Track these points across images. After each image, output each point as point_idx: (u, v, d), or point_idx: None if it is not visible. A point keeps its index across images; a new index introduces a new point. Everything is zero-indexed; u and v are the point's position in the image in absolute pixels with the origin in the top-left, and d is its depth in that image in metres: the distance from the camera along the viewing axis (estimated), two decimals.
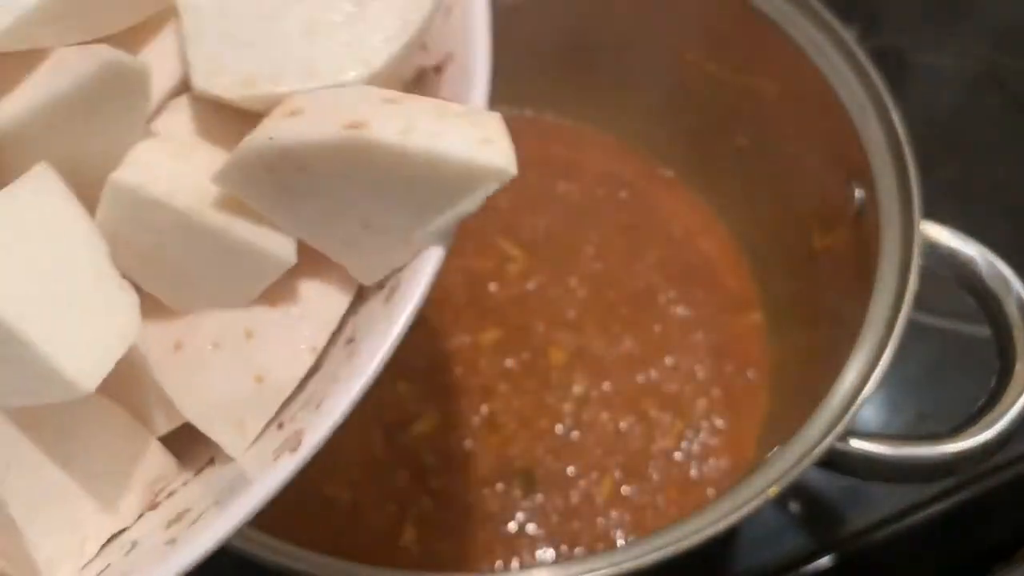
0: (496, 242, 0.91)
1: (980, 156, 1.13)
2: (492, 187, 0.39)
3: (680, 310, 0.91)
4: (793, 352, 0.87)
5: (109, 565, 0.40)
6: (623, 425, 0.85)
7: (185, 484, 0.45)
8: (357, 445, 0.82)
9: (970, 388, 0.72)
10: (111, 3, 0.43)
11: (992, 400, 0.67)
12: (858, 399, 0.64)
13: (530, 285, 0.91)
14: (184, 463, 0.46)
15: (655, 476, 0.82)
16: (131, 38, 0.44)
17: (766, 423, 0.85)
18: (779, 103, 0.87)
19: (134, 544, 0.41)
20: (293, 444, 0.38)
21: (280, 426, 0.42)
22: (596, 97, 1.03)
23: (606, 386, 0.86)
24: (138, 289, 0.42)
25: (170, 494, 0.45)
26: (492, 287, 0.90)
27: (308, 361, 0.43)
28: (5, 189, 0.39)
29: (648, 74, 0.99)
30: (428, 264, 0.42)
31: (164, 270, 0.44)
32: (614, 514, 0.80)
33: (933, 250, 0.72)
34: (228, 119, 0.44)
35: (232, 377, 0.43)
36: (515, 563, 0.77)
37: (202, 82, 0.43)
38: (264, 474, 0.38)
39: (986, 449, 0.66)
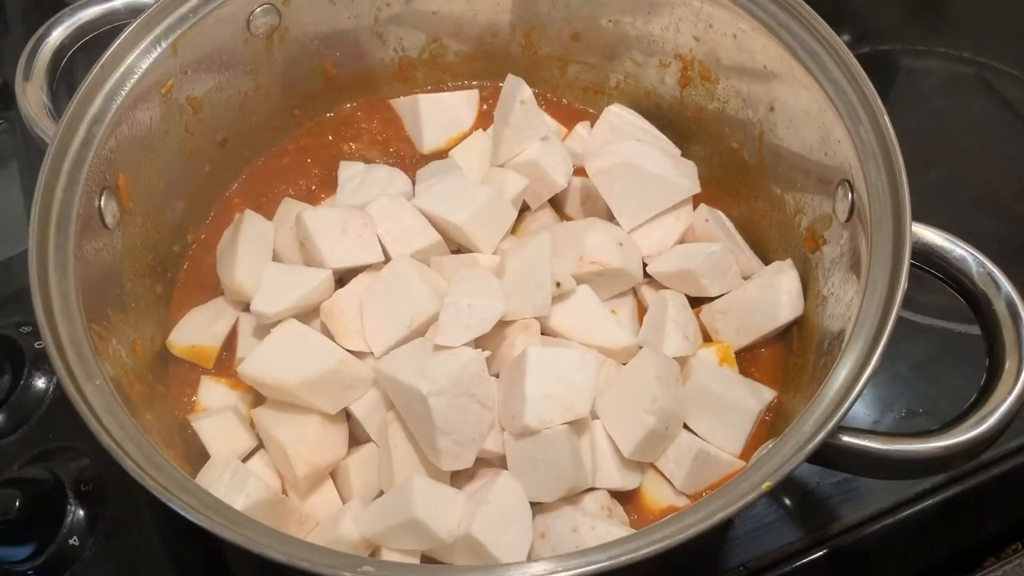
0: None
1: (969, 159, 1.14)
2: None
3: None
4: (787, 351, 0.88)
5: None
6: None
7: None
8: None
9: (960, 386, 0.73)
10: None
11: (981, 397, 0.69)
12: (850, 396, 0.65)
13: None
14: None
15: None
16: None
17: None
18: (772, 107, 0.88)
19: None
20: None
21: None
22: (595, 99, 1.05)
23: None
24: None
25: None
26: None
27: None
28: None
29: (643, 77, 1.00)
30: None
31: None
32: None
33: (923, 250, 0.73)
34: None
35: None
36: None
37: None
38: None
39: (976, 445, 0.67)
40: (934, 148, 1.11)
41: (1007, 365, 0.69)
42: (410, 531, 0.71)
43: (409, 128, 1.02)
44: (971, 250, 0.73)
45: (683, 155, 0.95)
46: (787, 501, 0.89)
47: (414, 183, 0.95)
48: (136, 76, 0.82)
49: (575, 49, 1.01)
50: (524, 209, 0.94)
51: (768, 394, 0.83)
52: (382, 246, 0.86)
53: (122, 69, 0.82)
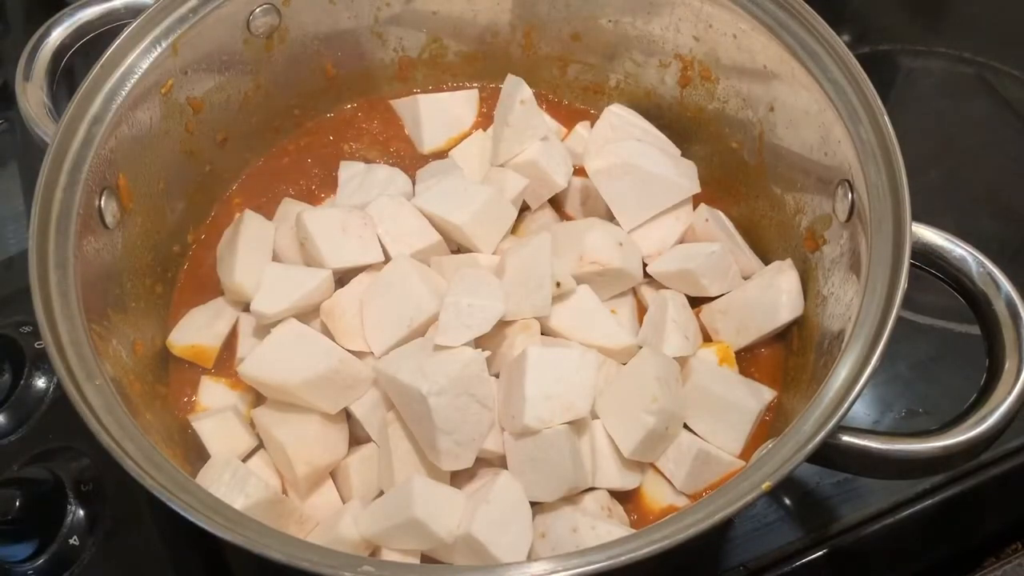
0: None
1: (969, 159, 1.14)
2: None
3: None
4: (787, 351, 0.88)
5: None
6: None
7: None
8: None
9: (960, 386, 0.73)
10: None
11: (981, 397, 0.69)
12: (850, 396, 0.65)
13: None
14: None
15: None
16: None
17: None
18: (772, 107, 0.88)
19: None
20: None
21: None
22: (595, 99, 1.05)
23: None
24: None
25: None
26: None
27: None
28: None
29: (643, 77, 1.00)
30: None
31: None
32: None
33: (923, 250, 0.73)
34: None
35: None
36: None
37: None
38: None
39: (976, 445, 0.67)
40: (934, 148, 1.12)
41: (1007, 365, 0.69)
42: (410, 531, 0.72)
43: (409, 128, 1.02)
44: (971, 250, 0.73)
45: (683, 155, 0.95)
46: (787, 501, 0.89)
47: (414, 183, 0.95)
48: (136, 76, 0.82)
49: (575, 49, 1.01)
50: (524, 209, 0.94)
51: (768, 394, 0.83)
52: (382, 246, 0.86)
53: (122, 69, 0.82)
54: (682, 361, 0.82)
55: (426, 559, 0.74)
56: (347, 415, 0.81)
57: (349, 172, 0.96)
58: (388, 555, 0.74)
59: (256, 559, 0.60)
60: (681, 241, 0.91)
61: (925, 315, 0.99)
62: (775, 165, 0.90)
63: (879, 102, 0.77)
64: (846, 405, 0.65)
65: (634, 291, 0.90)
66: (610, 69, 1.01)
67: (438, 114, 1.00)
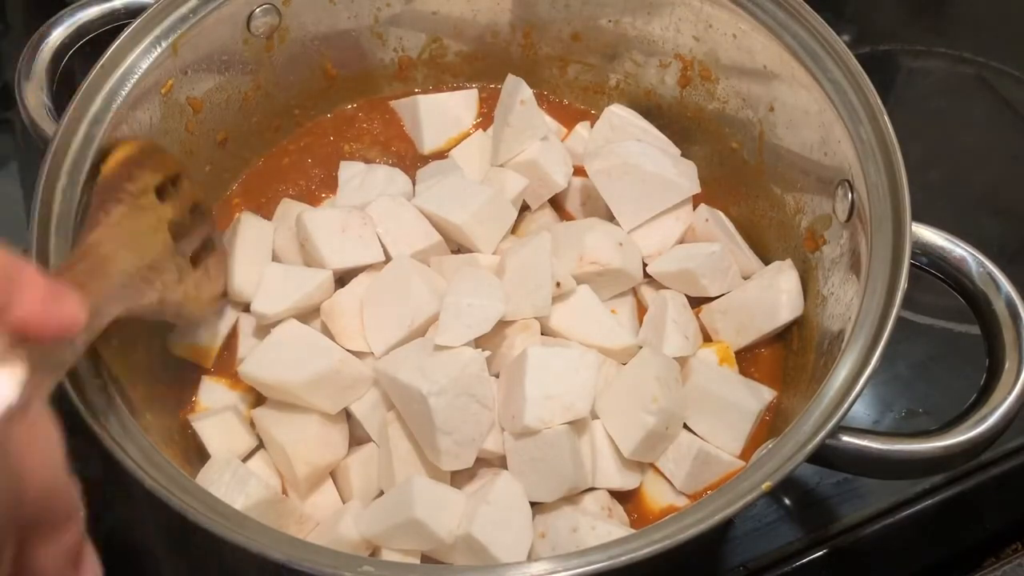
0: None
1: (969, 159, 1.14)
2: None
3: None
4: (787, 351, 0.88)
5: None
6: None
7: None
8: None
9: (959, 386, 0.73)
10: None
11: (981, 397, 0.69)
12: (850, 396, 0.65)
13: None
14: None
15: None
16: None
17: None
18: (772, 107, 0.88)
19: None
20: None
21: None
22: (595, 99, 1.05)
23: None
24: None
25: None
26: None
27: None
28: None
29: (643, 77, 1.00)
30: None
31: None
32: None
33: (923, 251, 0.73)
34: None
35: None
36: None
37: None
38: None
39: (975, 445, 0.67)
40: (934, 148, 1.12)
41: (1007, 365, 0.69)
42: (410, 531, 0.72)
43: (409, 129, 1.02)
44: (971, 250, 0.73)
45: (683, 155, 0.95)
46: (787, 501, 0.89)
47: (414, 183, 0.95)
48: (136, 76, 0.82)
49: (575, 49, 1.01)
50: (524, 209, 0.94)
51: (768, 394, 0.83)
52: (382, 246, 0.86)
53: (122, 69, 0.82)
54: (682, 361, 0.82)
55: (426, 559, 0.74)
56: (347, 415, 0.81)
57: (349, 172, 0.96)
58: (388, 555, 0.74)
59: (256, 559, 0.60)
60: (681, 241, 0.91)
61: (925, 315, 0.99)
62: (775, 165, 0.90)
63: (879, 102, 0.77)
64: (846, 405, 0.65)
65: (634, 291, 0.90)
66: (610, 69, 1.01)
67: (438, 114, 1.00)
